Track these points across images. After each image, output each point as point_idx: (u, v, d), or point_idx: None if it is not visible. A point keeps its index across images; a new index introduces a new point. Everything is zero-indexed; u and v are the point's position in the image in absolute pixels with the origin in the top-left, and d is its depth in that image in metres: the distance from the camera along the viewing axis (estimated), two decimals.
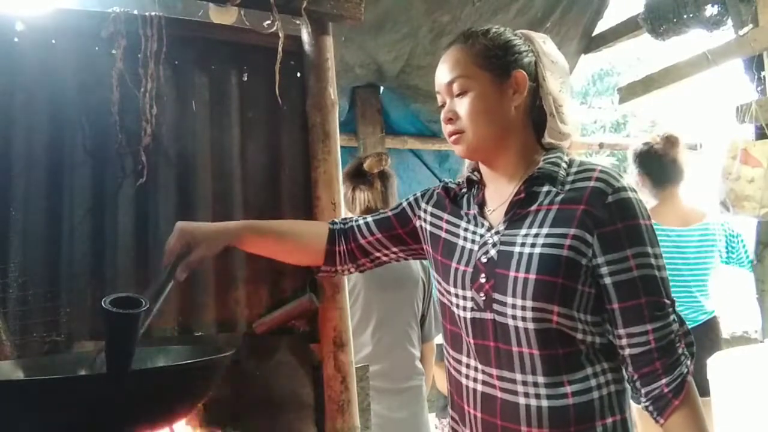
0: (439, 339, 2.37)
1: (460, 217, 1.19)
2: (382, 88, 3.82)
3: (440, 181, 1.35)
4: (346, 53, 3.24)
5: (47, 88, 1.57)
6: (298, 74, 1.84)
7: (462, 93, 1.09)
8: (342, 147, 2.01)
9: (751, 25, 2.97)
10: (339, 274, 1.44)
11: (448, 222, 1.21)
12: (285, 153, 1.82)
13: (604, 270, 1.01)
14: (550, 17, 3.52)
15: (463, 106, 1.09)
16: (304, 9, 1.73)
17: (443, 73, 1.13)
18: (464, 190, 1.22)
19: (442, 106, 1.14)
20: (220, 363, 1.14)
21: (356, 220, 1.38)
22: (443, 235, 1.21)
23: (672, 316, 1.02)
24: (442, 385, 2.41)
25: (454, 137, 1.12)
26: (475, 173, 1.20)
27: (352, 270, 1.42)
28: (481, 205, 1.17)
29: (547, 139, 1.13)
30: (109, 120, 1.59)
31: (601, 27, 4.08)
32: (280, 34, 1.72)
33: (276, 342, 1.70)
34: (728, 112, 3.02)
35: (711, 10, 3.08)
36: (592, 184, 1.03)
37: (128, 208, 1.62)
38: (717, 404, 2.10)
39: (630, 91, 3.59)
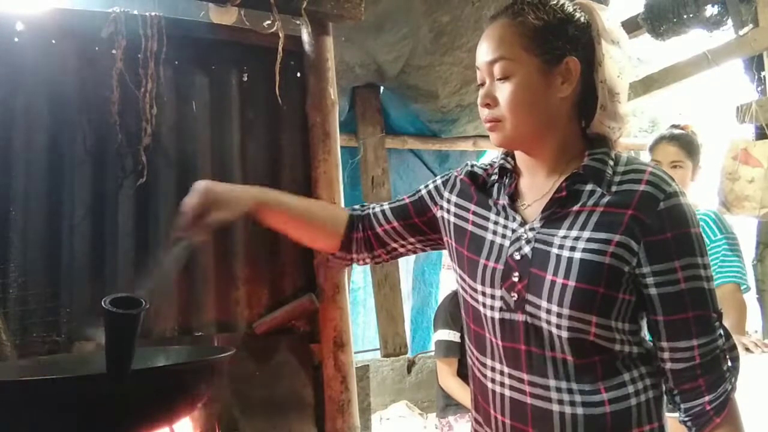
0: (441, 335, 2.37)
1: (488, 208, 1.10)
2: (382, 88, 3.82)
3: None
4: (346, 53, 3.24)
5: (47, 88, 1.57)
6: (298, 74, 1.84)
7: (504, 78, 0.99)
8: (342, 147, 2.01)
9: (751, 25, 2.97)
10: (353, 263, 1.36)
11: (475, 214, 1.11)
12: (285, 153, 1.82)
13: (650, 280, 0.95)
14: None
15: (503, 92, 0.99)
16: (304, 9, 1.73)
17: (485, 51, 1.01)
18: (494, 177, 1.11)
19: (481, 84, 1.03)
20: (220, 363, 1.14)
21: (373, 207, 1.27)
22: (470, 228, 1.10)
23: (719, 331, 0.96)
24: (443, 382, 2.40)
25: (490, 124, 1.03)
26: (509, 159, 1.10)
27: (368, 261, 1.30)
28: (513, 196, 1.08)
29: (594, 130, 1.03)
30: (109, 120, 1.59)
31: None
32: (280, 34, 1.72)
33: (276, 342, 1.70)
34: (728, 112, 3.02)
35: (711, 10, 3.08)
36: (642, 187, 0.95)
37: (128, 208, 1.62)
38: None
39: (630, 91, 3.59)
